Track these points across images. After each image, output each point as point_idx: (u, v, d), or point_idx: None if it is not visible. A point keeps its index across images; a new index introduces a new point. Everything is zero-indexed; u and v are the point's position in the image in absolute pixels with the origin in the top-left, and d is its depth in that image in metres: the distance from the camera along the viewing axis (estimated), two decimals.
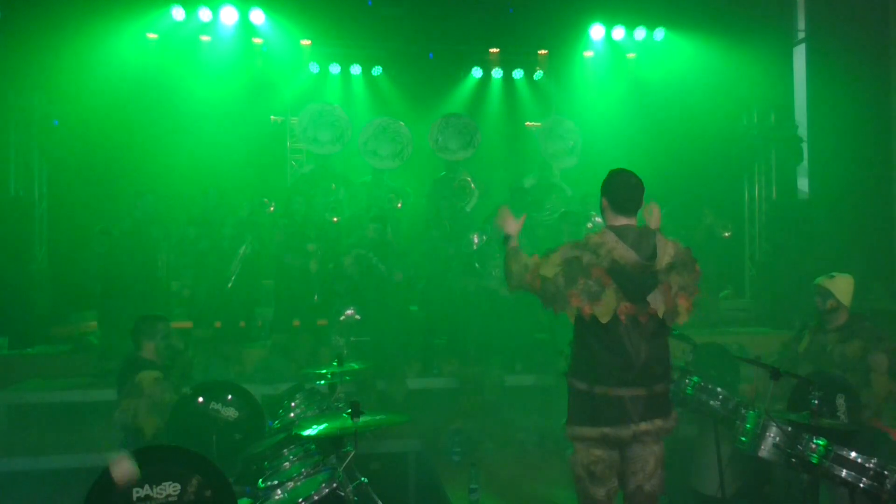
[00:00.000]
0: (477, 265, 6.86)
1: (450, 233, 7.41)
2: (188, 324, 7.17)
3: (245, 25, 9.13)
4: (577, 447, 3.38)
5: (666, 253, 3.36)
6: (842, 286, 4.87)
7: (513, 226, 3.58)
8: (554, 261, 3.33)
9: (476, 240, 7.14)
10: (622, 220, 3.39)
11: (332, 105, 9.18)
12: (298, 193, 7.39)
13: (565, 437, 3.45)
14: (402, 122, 9.10)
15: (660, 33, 9.81)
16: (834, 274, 4.95)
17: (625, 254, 3.27)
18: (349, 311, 6.83)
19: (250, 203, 7.89)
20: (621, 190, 3.41)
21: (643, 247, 3.32)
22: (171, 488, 3.07)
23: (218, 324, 7.26)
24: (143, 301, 6.90)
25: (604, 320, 3.25)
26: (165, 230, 7.40)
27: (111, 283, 7.07)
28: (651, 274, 3.30)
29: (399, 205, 8.15)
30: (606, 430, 3.28)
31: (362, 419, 3.56)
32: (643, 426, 3.29)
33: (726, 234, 8.54)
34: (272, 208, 7.83)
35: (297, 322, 7.34)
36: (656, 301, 3.30)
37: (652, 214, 3.68)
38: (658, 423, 3.33)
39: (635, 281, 3.28)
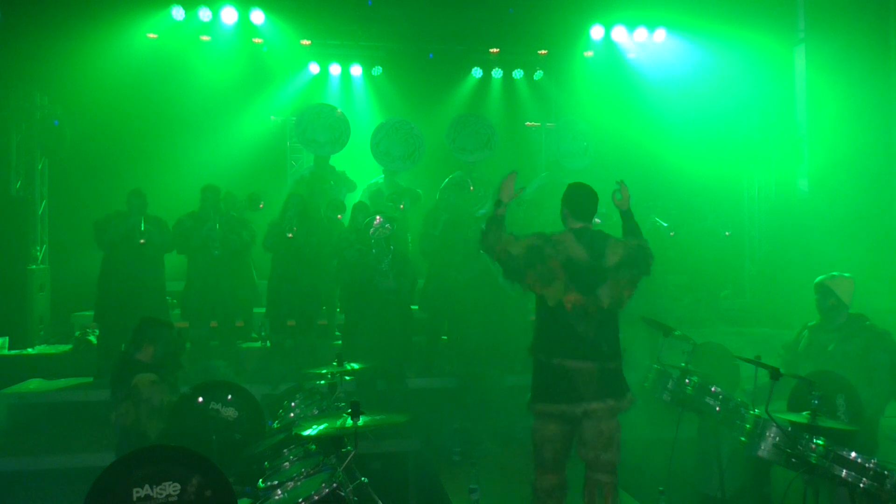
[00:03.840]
0: (482, 251, 6.87)
1: (450, 232, 7.40)
2: (184, 324, 7.15)
3: (245, 25, 9.11)
4: (537, 420, 3.92)
5: (615, 253, 3.93)
6: (843, 286, 4.89)
7: (508, 193, 4.03)
8: (522, 243, 3.91)
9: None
10: (579, 224, 4.01)
11: (331, 106, 9.15)
12: (293, 196, 7.33)
13: (528, 409, 3.97)
14: (414, 124, 9.08)
15: (660, 33, 9.81)
16: (835, 274, 4.97)
17: (578, 252, 3.89)
18: (378, 220, 6.76)
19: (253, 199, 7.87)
20: (580, 200, 4.04)
21: (595, 247, 3.92)
22: (171, 488, 3.07)
23: (214, 323, 7.25)
24: (139, 301, 6.87)
25: (550, 304, 3.85)
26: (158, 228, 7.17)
27: (109, 284, 7.02)
28: (600, 271, 3.87)
29: (402, 206, 8.11)
30: (563, 406, 3.80)
31: (362, 419, 3.56)
32: (594, 405, 3.78)
33: (727, 234, 8.54)
34: (261, 205, 7.79)
35: (291, 322, 7.32)
36: (604, 294, 3.86)
37: (622, 194, 4.20)
38: (610, 402, 3.82)
39: (585, 276, 3.85)
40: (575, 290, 3.82)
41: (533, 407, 3.93)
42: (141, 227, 6.88)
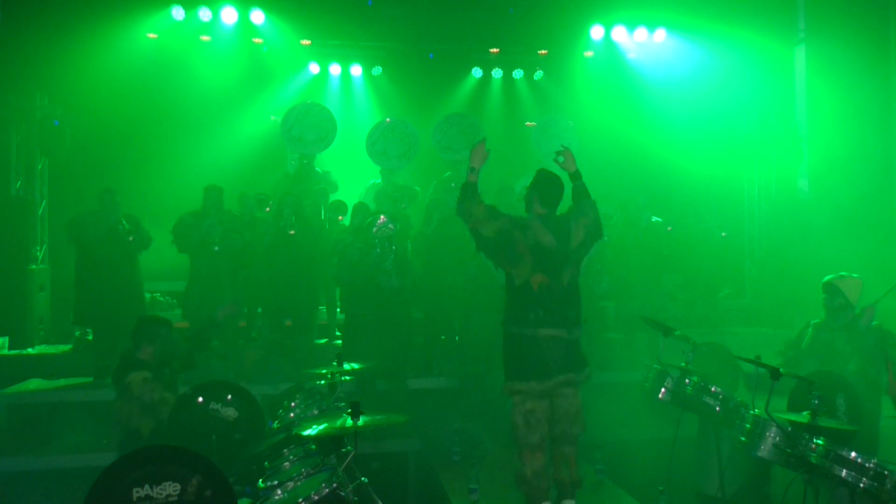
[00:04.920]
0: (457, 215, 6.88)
1: (444, 230, 7.41)
2: (184, 324, 7.14)
3: (245, 25, 9.11)
4: (515, 400, 4.13)
5: (577, 235, 4.25)
6: (851, 286, 4.91)
7: (479, 159, 4.25)
8: (492, 226, 4.16)
9: None
10: (543, 210, 4.29)
11: (318, 104, 9.13)
12: (288, 195, 7.35)
13: (504, 391, 4.21)
14: (408, 122, 9.07)
15: (660, 33, 9.81)
16: (843, 273, 4.98)
17: (545, 238, 4.17)
18: (381, 219, 6.76)
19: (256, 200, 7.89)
20: (548, 187, 4.31)
21: (561, 232, 4.23)
22: (171, 488, 3.07)
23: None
24: (118, 300, 6.87)
25: (517, 283, 4.14)
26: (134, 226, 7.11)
27: (86, 285, 7.01)
28: (566, 255, 4.20)
29: (403, 206, 8.10)
30: (534, 384, 4.06)
31: (362, 419, 3.56)
32: (561, 378, 4.09)
33: (723, 234, 8.54)
34: (268, 209, 7.79)
35: (288, 322, 7.32)
36: (566, 275, 4.20)
37: (565, 157, 4.45)
38: (571, 375, 4.15)
39: (551, 259, 4.16)
40: (540, 272, 4.12)
41: (508, 387, 4.16)
42: (124, 225, 6.90)
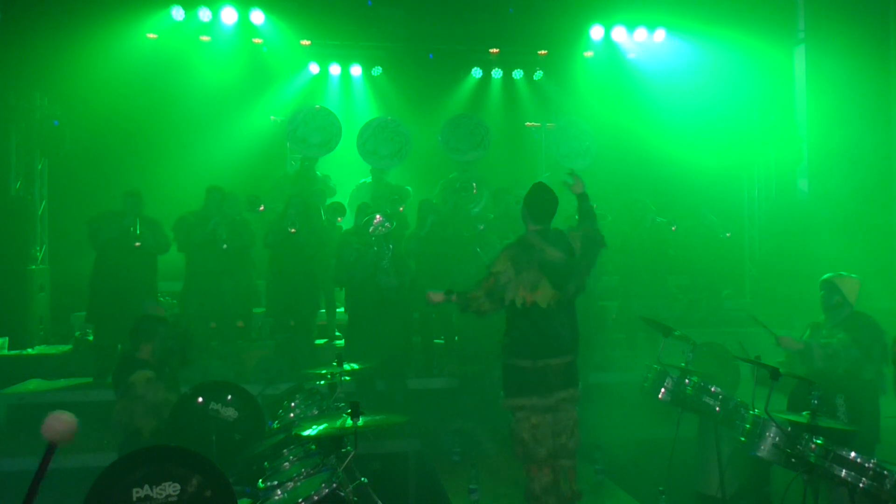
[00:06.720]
0: (478, 249, 6.91)
1: (449, 229, 7.42)
2: None
3: (245, 25, 9.12)
4: (518, 416, 4.13)
5: (577, 245, 4.26)
6: (849, 285, 4.92)
7: (439, 296, 4.32)
8: (501, 259, 4.14)
9: (481, 227, 7.30)
10: (538, 226, 4.24)
11: (325, 108, 9.14)
12: (295, 196, 7.37)
13: (504, 407, 4.21)
14: (400, 121, 9.07)
15: (660, 34, 9.81)
16: (843, 273, 4.99)
17: (553, 253, 4.15)
18: (377, 218, 6.80)
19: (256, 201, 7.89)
20: (539, 203, 4.26)
21: (563, 245, 4.21)
22: (171, 488, 3.07)
23: (213, 324, 7.26)
24: (131, 301, 6.88)
25: (544, 305, 4.09)
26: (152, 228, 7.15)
27: (101, 284, 7.03)
28: (572, 267, 4.20)
29: (401, 209, 8.10)
30: (536, 399, 4.09)
31: (362, 419, 3.56)
32: (562, 394, 4.13)
33: (727, 235, 8.54)
34: (262, 208, 7.79)
35: (292, 322, 7.33)
36: (572, 286, 4.20)
37: (575, 181, 4.46)
38: (571, 391, 4.19)
39: (561, 274, 4.15)
40: (552, 288, 4.12)
41: (508, 403, 4.18)
42: (136, 229, 6.92)
